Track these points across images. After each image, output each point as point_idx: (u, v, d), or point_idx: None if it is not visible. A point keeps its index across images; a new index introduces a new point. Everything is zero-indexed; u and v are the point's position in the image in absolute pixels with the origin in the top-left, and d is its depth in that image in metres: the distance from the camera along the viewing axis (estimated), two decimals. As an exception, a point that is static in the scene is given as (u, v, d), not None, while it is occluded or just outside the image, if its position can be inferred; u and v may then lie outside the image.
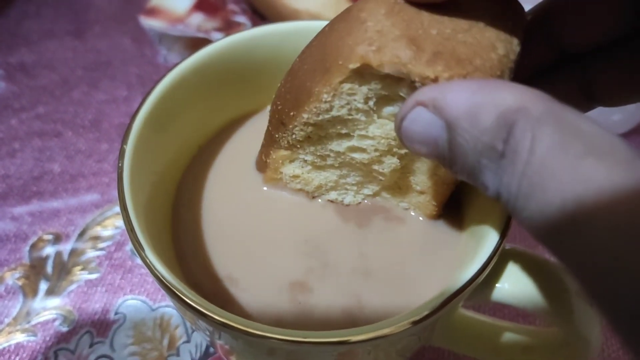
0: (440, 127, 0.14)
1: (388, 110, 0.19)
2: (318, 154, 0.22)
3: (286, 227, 0.23)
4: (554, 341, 0.22)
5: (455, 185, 0.22)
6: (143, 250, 0.17)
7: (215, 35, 0.41)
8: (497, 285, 0.19)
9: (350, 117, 0.19)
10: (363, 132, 0.20)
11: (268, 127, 0.22)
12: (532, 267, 0.19)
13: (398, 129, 0.16)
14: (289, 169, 0.23)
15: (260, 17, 0.45)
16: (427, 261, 0.22)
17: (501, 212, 0.19)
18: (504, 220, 0.19)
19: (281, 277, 0.22)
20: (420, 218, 0.24)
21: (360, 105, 0.19)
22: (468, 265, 0.18)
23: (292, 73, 0.20)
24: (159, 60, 0.43)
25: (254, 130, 0.26)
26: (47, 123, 0.39)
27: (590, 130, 0.12)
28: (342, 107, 0.19)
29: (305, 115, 0.19)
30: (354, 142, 0.21)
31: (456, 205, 0.23)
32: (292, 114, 0.20)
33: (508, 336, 0.23)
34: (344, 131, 0.20)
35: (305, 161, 0.22)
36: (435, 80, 0.16)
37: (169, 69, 0.22)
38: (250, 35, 0.25)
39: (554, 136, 0.12)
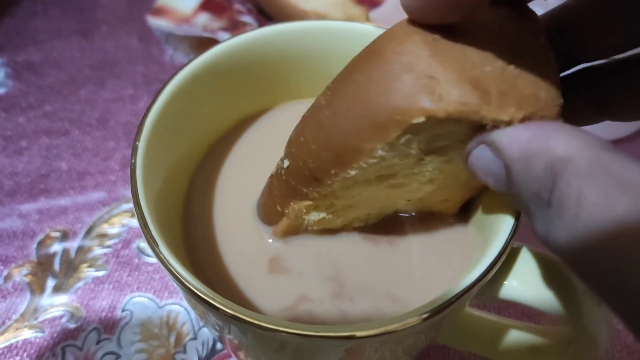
0: (500, 166, 0.15)
1: (437, 145, 0.18)
2: (352, 195, 0.20)
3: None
4: (561, 340, 0.23)
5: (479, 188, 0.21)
6: (157, 246, 0.17)
7: (222, 35, 0.42)
8: (504, 282, 0.19)
9: (400, 162, 0.18)
10: (408, 171, 0.19)
11: (281, 178, 0.20)
12: (540, 265, 0.20)
13: (465, 161, 0.17)
14: (314, 215, 0.21)
15: (266, 17, 0.46)
16: (434, 258, 0.23)
17: (510, 210, 0.19)
18: (513, 218, 0.19)
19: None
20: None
21: (413, 152, 0.17)
22: (477, 262, 0.18)
23: (319, 127, 0.18)
24: (165, 59, 0.44)
25: (264, 129, 0.26)
26: (55, 121, 0.39)
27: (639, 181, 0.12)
28: (395, 156, 0.17)
29: (351, 172, 0.18)
30: (397, 180, 0.20)
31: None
32: (332, 172, 0.18)
33: (515, 334, 0.24)
34: (388, 173, 0.19)
35: (335, 205, 0.21)
36: (509, 123, 0.15)
37: (180, 67, 0.23)
38: (260, 34, 0.25)
39: (601, 191, 0.12)
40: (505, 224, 0.19)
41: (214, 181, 0.24)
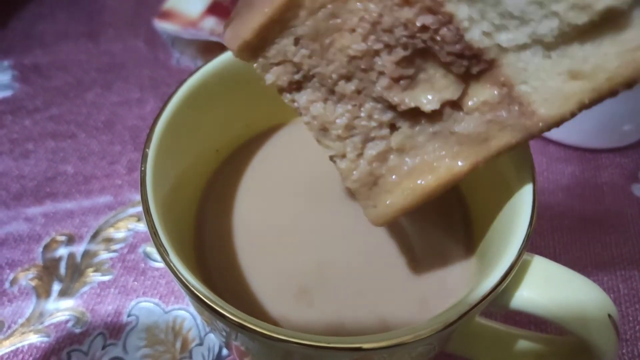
0: None
1: None
2: None
3: (309, 248, 0.23)
4: (569, 350, 0.23)
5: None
6: (167, 255, 0.17)
7: (228, 39, 0.42)
8: (515, 292, 0.19)
9: None
10: None
11: None
12: (550, 275, 0.20)
13: None
14: None
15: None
16: (437, 264, 0.23)
17: (521, 217, 0.19)
18: (525, 226, 0.19)
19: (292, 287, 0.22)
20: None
21: None
22: (489, 272, 0.18)
23: None
24: (172, 63, 0.44)
25: (280, 144, 0.26)
26: (61, 124, 0.39)
27: None
28: None
29: None
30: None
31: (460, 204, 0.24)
32: None
33: (522, 344, 0.23)
34: None
35: None
36: None
37: (190, 74, 0.22)
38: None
39: None
40: (517, 233, 0.19)
41: (229, 193, 0.25)
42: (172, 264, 0.17)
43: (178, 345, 0.29)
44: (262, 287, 0.22)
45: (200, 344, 0.29)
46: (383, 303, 0.21)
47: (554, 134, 0.38)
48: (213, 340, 0.29)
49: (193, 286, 0.17)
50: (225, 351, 0.29)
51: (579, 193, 0.36)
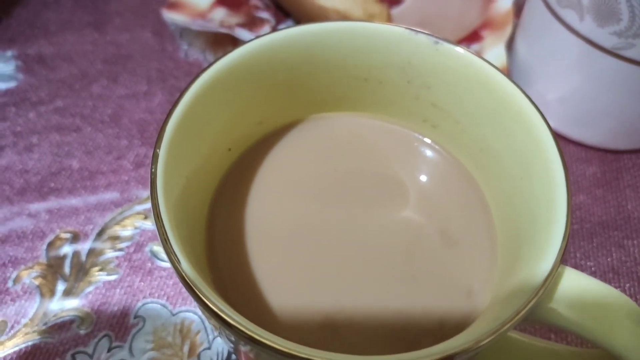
0: None
1: None
2: None
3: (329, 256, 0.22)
4: (599, 365, 0.22)
5: None
6: (179, 263, 0.16)
7: (239, 31, 0.40)
8: (547, 308, 0.18)
9: None
10: None
11: None
12: (584, 290, 0.18)
13: None
14: None
15: (284, 13, 0.44)
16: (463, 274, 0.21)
17: (557, 229, 0.18)
18: (560, 239, 0.18)
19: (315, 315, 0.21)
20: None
21: None
22: (522, 287, 0.17)
23: None
24: (179, 55, 0.42)
25: (295, 144, 0.25)
26: (66, 117, 0.38)
27: None
28: None
29: None
30: None
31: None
32: None
33: (548, 356, 0.22)
34: None
35: None
36: None
37: (202, 70, 0.21)
38: (283, 36, 0.24)
39: None
40: (551, 244, 0.18)
41: (242, 194, 0.23)
42: (183, 273, 0.16)
43: (186, 348, 0.28)
44: (280, 305, 0.21)
45: (209, 348, 0.28)
46: (412, 324, 0.20)
47: (575, 133, 0.37)
48: (221, 344, 0.28)
49: (209, 300, 0.16)
50: (234, 356, 0.28)
51: (600, 196, 0.35)
